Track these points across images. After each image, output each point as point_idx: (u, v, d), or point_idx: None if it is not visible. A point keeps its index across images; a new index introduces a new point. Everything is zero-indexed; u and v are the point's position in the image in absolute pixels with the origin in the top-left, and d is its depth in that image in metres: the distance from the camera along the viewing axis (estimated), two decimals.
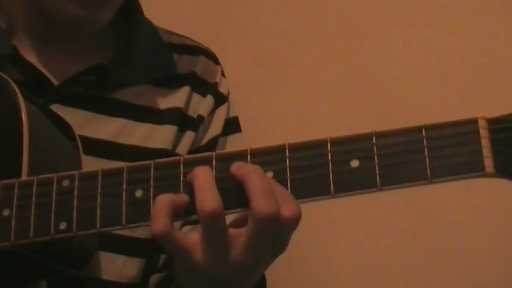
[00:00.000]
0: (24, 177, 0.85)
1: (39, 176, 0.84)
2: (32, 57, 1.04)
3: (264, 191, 0.76)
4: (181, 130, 1.11)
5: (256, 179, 0.76)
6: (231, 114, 1.17)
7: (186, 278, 0.85)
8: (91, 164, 0.98)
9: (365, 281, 1.43)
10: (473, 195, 1.34)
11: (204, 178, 0.78)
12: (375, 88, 1.49)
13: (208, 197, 0.76)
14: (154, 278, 1.07)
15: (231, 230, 0.78)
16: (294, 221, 0.77)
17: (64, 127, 0.97)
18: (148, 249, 1.05)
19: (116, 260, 1.02)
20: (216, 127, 1.14)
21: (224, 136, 1.15)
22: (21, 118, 0.87)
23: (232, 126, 1.17)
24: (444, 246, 1.41)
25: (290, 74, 1.54)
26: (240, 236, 0.78)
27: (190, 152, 1.10)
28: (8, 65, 1.02)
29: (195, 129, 1.12)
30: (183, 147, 1.10)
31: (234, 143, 1.15)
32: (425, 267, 1.41)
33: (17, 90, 0.90)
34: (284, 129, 1.49)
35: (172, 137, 1.09)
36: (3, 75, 0.92)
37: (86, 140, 1.00)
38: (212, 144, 1.13)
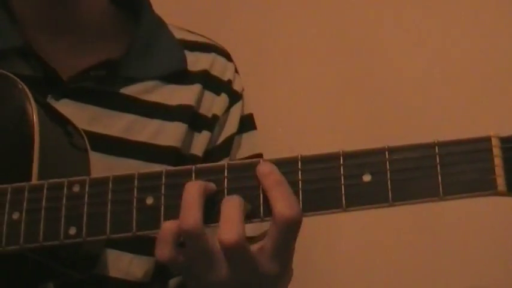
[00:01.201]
0: (34, 180, 0.85)
1: (50, 180, 0.84)
2: (41, 52, 1.04)
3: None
4: (193, 128, 1.09)
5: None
6: (246, 112, 1.16)
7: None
8: (100, 161, 0.98)
9: (365, 281, 1.44)
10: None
11: (189, 194, 0.78)
12: (377, 89, 1.50)
13: (188, 215, 0.77)
14: (173, 282, 1.07)
15: (215, 247, 0.79)
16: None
17: (72, 127, 0.97)
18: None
19: (123, 258, 1.02)
20: (231, 126, 1.13)
21: (239, 134, 1.14)
22: (32, 121, 0.87)
23: (247, 123, 1.15)
24: (444, 246, 1.41)
25: (291, 74, 1.54)
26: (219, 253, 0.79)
27: (206, 152, 1.10)
28: (17, 58, 1.01)
29: (211, 129, 1.11)
30: (199, 147, 1.09)
31: (249, 141, 1.14)
32: (425, 267, 1.41)
33: (28, 92, 0.89)
34: (284, 129, 1.49)
35: (182, 135, 1.08)
36: (14, 76, 0.91)
37: (95, 136, 1.00)
38: (228, 143, 1.12)
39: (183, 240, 0.78)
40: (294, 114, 1.53)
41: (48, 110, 0.94)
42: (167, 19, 1.17)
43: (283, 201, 0.77)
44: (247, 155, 1.13)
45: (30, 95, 0.89)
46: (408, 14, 1.52)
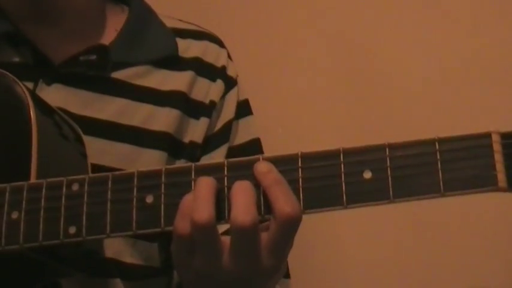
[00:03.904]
0: (33, 179, 0.85)
1: (49, 179, 0.83)
2: (31, 38, 1.03)
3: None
4: (189, 115, 1.10)
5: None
6: (241, 97, 1.16)
7: (189, 283, 0.85)
8: (92, 144, 0.98)
9: (365, 282, 1.44)
10: (474, 196, 1.34)
11: (202, 188, 0.78)
12: (377, 89, 1.49)
13: (203, 209, 0.77)
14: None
15: (223, 238, 0.79)
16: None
17: (68, 123, 0.97)
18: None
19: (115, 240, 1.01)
20: (228, 111, 1.13)
21: (236, 120, 1.14)
22: (30, 120, 0.87)
23: (243, 109, 1.16)
24: (446, 246, 1.41)
25: (290, 73, 1.54)
26: (227, 244, 0.79)
27: (204, 138, 1.10)
28: (6, 46, 1.01)
29: (209, 115, 1.11)
30: (198, 134, 1.10)
31: (246, 126, 1.15)
32: (425, 268, 1.41)
33: (26, 91, 0.89)
34: (284, 129, 1.49)
35: (175, 120, 1.08)
36: (12, 76, 0.91)
37: (87, 120, 1.00)
38: (226, 129, 1.12)
39: (193, 234, 0.78)
40: (294, 114, 1.52)
41: (45, 106, 0.93)
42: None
43: (283, 199, 0.78)
44: (245, 140, 1.14)
45: (27, 93, 0.89)
46: (407, 13, 1.52)
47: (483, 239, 1.41)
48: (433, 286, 1.41)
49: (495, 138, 0.76)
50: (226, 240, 0.79)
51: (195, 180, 0.80)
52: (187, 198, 0.79)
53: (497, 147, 0.75)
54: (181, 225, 0.78)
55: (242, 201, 0.77)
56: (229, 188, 0.79)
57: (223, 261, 0.79)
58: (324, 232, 1.44)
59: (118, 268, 1.02)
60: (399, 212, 1.38)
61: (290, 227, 0.78)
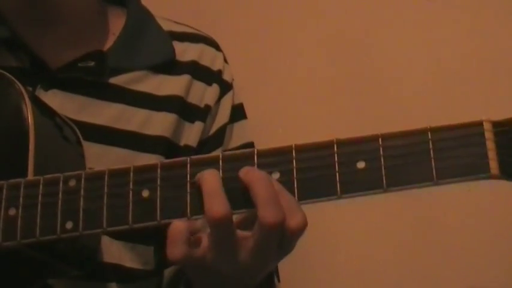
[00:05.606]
0: (30, 176, 0.85)
1: (46, 176, 0.84)
2: (29, 43, 1.04)
3: (270, 200, 0.77)
4: (184, 119, 1.10)
5: (263, 187, 0.78)
6: (236, 101, 1.17)
7: (196, 277, 0.86)
8: (89, 149, 0.98)
9: (365, 281, 1.43)
10: (474, 195, 1.35)
11: (212, 183, 0.79)
12: (377, 88, 1.50)
13: (216, 203, 0.77)
14: (167, 271, 1.08)
15: (240, 232, 0.80)
16: (299, 232, 0.79)
17: (65, 122, 0.98)
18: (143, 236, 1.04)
19: (114, 244, 1.02)
20: (223, 115, 1.14)
21: (230, 124, 1.15)
22: (27, 118, 0.88)
23: (238, 113, 1.16)
24: (445, 247, 1.41)
25: (291, 73, 1.54)
26: (248, 239, 0.79)
27: (199, 143, 1.11)
28: (4, 50, 1.02)
29: (203, 119, 1.12)
30: (193, 138, 1.10)
31: (240, 130, 1.16)
32: (425, 268, 1.41)
33: (23, 90, 0.90)
34: (285, 129, 1.49)
35: (171, 125, 1.09)
36: (10, 75, 0.92)
37: (83, 125, 1.00)
38: (220, 133, 1.13)
39: (211, 231, 0.79)
40: (294, 115, 1.53)
41: (43, 106, 0.94)
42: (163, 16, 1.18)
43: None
44: (239, 144, 1.15)
45: (25, 93, 0.89)
46: (405, 9, 1.52)
47: (483, 238, 1.41)
48: (431, 285, 1.41)
49: (487, 126, 0.76)
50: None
51: (191, 174, 0.81)
52: (176, 225, 0.79)
53: (489, 135, 0.76)
54: (173, 252, 0.78)
55: (270, 196, 0.78)
56: (224, 179, 0.80)
57: (242, 257, 0.80)
58: (318, 232, 1.44)
59: (117, 273, 1.02)
60: (398, 210, 1.39)
61: (271, 234, 0.78)
